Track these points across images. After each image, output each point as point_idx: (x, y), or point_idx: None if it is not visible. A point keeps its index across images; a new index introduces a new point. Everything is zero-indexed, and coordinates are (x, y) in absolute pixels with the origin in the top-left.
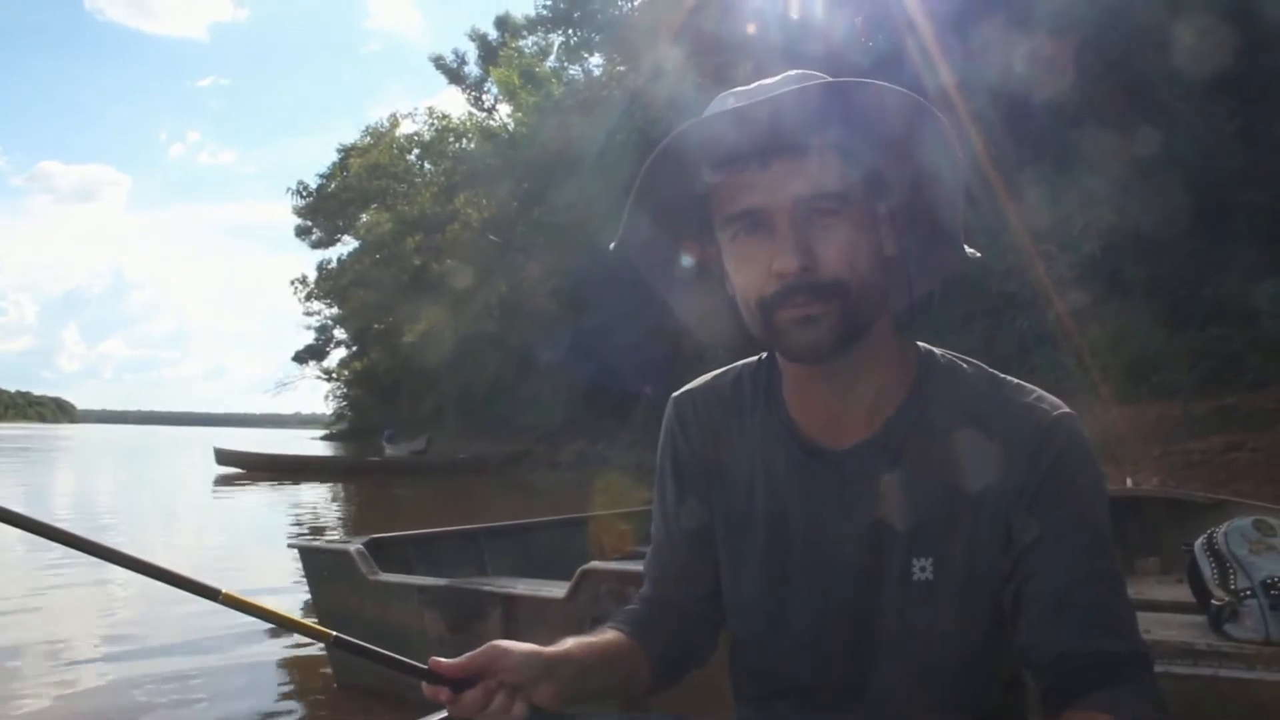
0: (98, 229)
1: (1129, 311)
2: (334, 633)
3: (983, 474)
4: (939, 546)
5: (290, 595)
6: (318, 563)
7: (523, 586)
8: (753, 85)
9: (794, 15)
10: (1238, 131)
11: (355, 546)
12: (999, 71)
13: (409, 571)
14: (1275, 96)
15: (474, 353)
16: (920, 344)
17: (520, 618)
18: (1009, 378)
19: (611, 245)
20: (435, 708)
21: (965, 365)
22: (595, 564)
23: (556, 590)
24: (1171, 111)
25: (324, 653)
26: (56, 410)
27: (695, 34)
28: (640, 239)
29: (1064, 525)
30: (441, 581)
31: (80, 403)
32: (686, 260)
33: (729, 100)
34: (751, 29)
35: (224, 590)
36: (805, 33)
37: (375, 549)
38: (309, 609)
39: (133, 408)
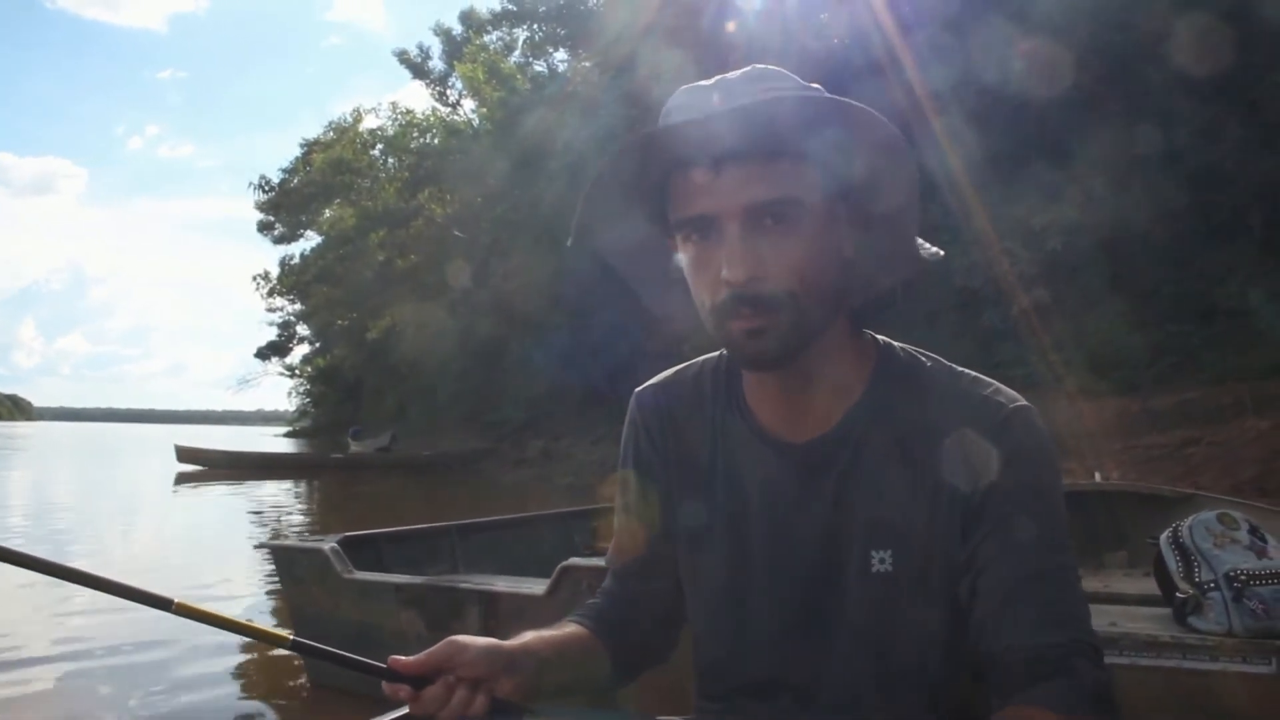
0: (54, 223)
1: (1092, 308)
2: (290, 636)
3: (940, 466)
4: (898, 539)
5: (254, 596)
6: (290, 562)
7: (502, 584)
8: (712, 80)
9: (762, 9)
10: (1202, 134)
11: (329, 545)
12: (966, 72)
13: (382, 569)
14: (1235, 97)
15: (438, 349)
16: (880, 338)
17: (500, 615)
18: (967, 371)
19: (569, 241)
20: (398, 706)
21: (925, 359)
22: (576, 560)
23: (536, 587)
24: (1139, 114)
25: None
26: (12, 408)
27: (664, 30)
28: (598, 227)
29: (1017, 518)
30: (419, 579)
31: (38, 400)
32: (646, 246)
33: (689, 94)
34: (731, 27)
35: (176, 600)
36: (782, 29)
37: (348, 547)
38: (278, 610)
39: (92, 405)
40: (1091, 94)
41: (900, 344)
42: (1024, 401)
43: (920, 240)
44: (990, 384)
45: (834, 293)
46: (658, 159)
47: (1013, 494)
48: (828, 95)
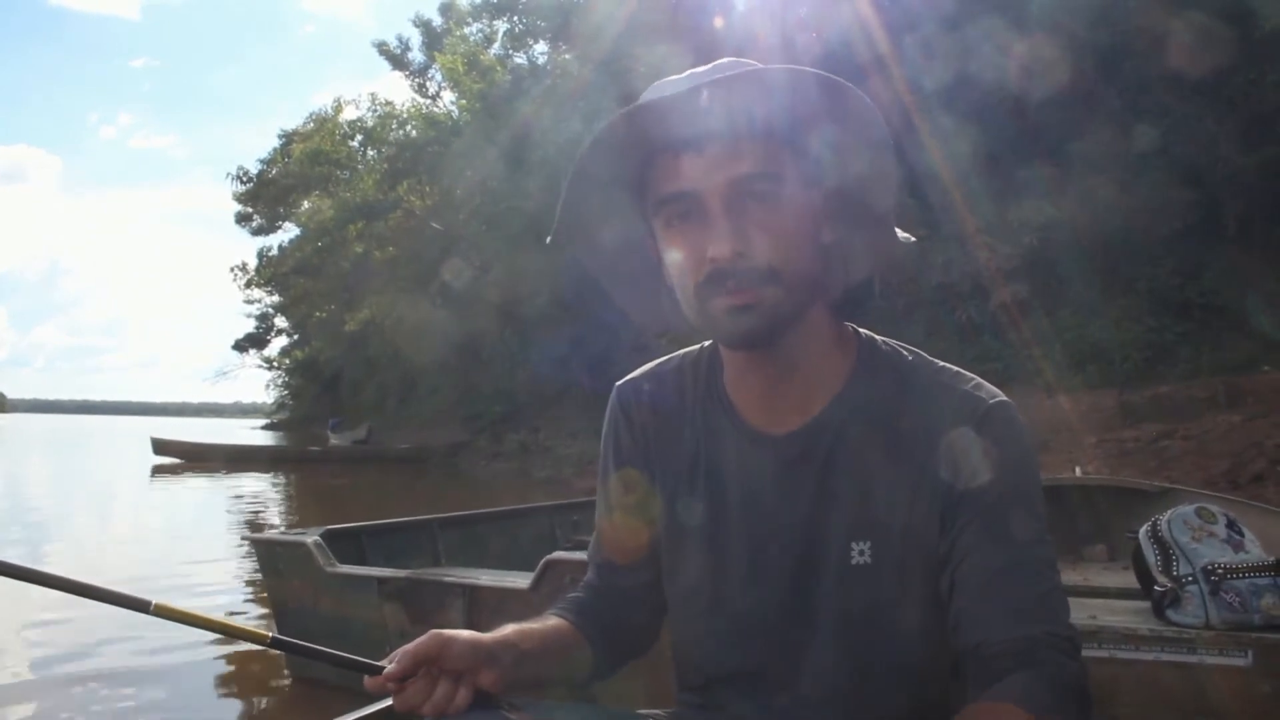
0: (28, 212)
1: (1069, 303)
2: (270, 634)
3: (920, 460)
4: (877, 531)
5: (234, 590)
6: (272, 555)
7: (485, 577)
8: (684, 74)
9: (741, 9)
10: (1180, 132)
11: (312, 538)
12: (955, 70)
13: (364, 563)
14: (1213, 95)
15: (417, 342)
16: (861, 330)
17: (483, 609)
18: (948, 365)
19: (549, 239)
20: (380, 699)
21: (906, 353)
22: (560, 554)
23: (520, 581)
24: (1120, 113)
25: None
26: None
27: (648, 25)
28: (578, 225)
29: (996, 512)
30: (402, 573)
31: (11, 392)
32: (625, 245)
33: (664, 88)
34: (719, 22)
35: (155, 601)
36: (771, 24)
37: (330, 540)
38: (258, 603)
39: (67, 396)
40: (1076, 92)
41: (882, 338)
42: (1003, 396)
43: (896, 229)
44: (970, 379)
45: (812, 276)
46: (638, 144)
47: (991, 488)
48: (808, 69)
